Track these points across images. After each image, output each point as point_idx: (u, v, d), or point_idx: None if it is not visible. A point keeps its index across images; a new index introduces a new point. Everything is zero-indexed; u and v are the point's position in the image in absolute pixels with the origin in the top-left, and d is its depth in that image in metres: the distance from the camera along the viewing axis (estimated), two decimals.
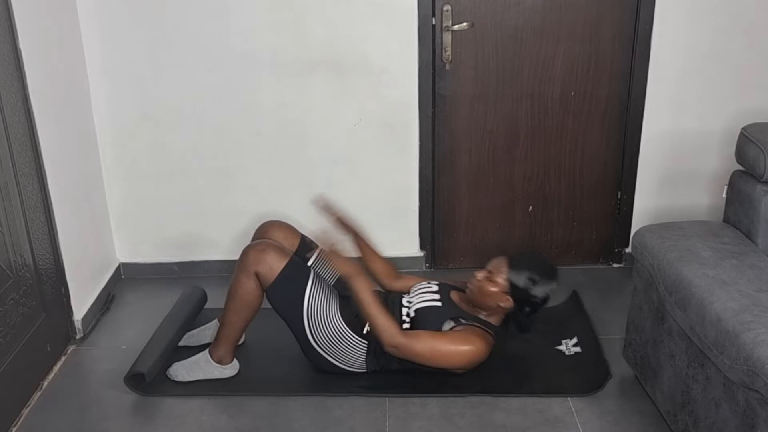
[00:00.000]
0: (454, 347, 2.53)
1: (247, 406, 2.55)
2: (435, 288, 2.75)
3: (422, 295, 2.72)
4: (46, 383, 2.70)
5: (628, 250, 3.47)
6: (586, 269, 3.52)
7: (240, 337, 2.70)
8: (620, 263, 3.54)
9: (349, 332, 2.60)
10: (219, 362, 2.66)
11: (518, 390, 2.59)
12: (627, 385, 2.62)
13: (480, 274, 2.65)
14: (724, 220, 2.51)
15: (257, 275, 2.54)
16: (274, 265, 2.53)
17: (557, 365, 2.74)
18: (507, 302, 2.61)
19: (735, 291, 2.01)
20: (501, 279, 2.60)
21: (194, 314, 3.00)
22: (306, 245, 2.83)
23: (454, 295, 2.73)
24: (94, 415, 2.55)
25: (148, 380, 2.60)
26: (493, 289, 2.60)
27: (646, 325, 2.44)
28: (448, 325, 2.59)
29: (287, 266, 2.55)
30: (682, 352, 2.19)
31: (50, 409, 2.57)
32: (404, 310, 2.68)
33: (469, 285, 2.68)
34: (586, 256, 3.54)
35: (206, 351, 2.68)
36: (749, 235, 2.36)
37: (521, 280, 2.59)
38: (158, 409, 2.56)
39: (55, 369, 2.80)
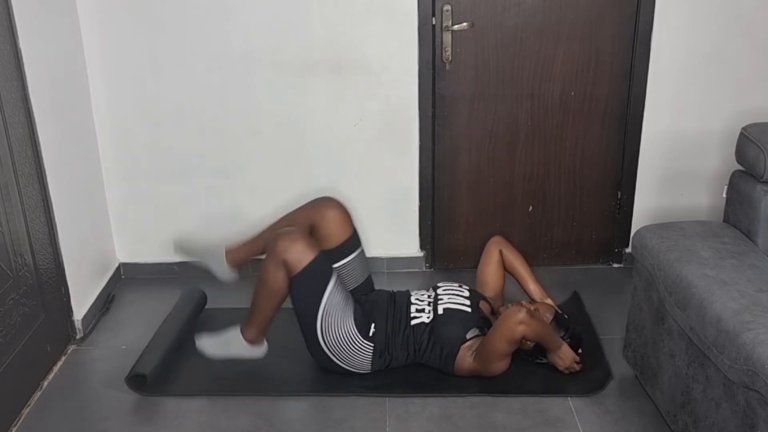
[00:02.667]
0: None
1: (247, 406, 2.55)
2: (466, 293, 2.77)
3: (453, 297, 2.73)
4: (46, 383, 2.70)
5: (628, 250, 3.47)
6: (586, 269, 3.52)
7: (271, 321, 2.66)
8: (620, 263, 3.54)
9: (359, 337, 2.60)
10: (251, 343, 2.64)
11: (518, 390, 2.59)
12: (627, 385, 2.62)
13: (525, 305, 2.69)
14: (724, 220, 2.51)
15: (285, 263, 2.51)
16: (302, 256, 2.51)
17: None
18: (530, 342, 2.63)
19: (735, 291, 2.01)
20: None
21: (194, 315, 3.00)
22: (350, 244, 2.81)
23: (483, 305, 2.76)
24: (94, 415, 2.55)
25: (150, 382, 2.60)
26: None
27: (646, 325, 2.44)
28: (473, 333, 2.61)
29: (314, 261, 2.52)
30: (682, 352, 2.19)
31: (50, 409, 2.57)
32: (426, 307, 2.70)
33: (509, 305, 2.71)
34: (586, 256, 3.54)
35: (238, 330, 2.65)
36: (749, 235, 2.36)
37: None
38: (158, 409, 2.56)
39: (55, 369, 2.80)
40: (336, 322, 2.56)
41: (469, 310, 2.68)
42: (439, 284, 2.85)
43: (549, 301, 2.83)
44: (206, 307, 3.11)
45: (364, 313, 2.66)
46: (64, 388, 2.69)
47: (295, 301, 2.58)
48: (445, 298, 2.72)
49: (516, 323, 2.46)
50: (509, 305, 2.71)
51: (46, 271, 2.78)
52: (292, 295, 2.57)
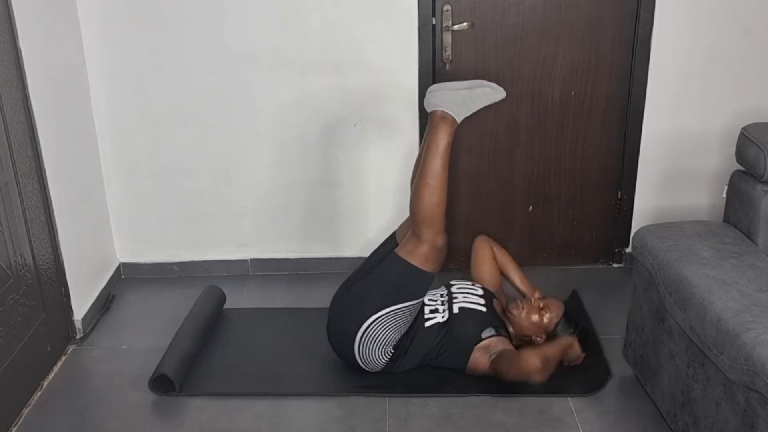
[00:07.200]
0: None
1: (247, 406, 2.55)
2: (480, 292, 2.78)
3: (468, 296, 2.74)
4: (46, 383, 2.70)
5: (628, 250, 3.47)
6: (586, 269, 3.52)
7: None
8: (620, 263, 3.54)
9: (390, 349, 2.60)
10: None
11: (518, 390, 2.59)
12: (627, 385, 2.62)
13: (534, 301, 2.71)
14: (724, 220, 2.52)
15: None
16: (430, 257, 2.54)
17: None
18: (540, 339, 2.67)
19: (735, 291, 2.01)
20: (549, 320, 2.71)
21: (215, 314, 3.01)
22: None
23: (496, 305, 2.77)
24: (94, 415, 2.55)
25: (177, 389, 2.60)
26: (537, 321, 2.69)
27: (646, 325, 2.44)
28: (488, 333, 2.62)
29: (430, 273, 2.55)
30: (682, 352, 2.19)
31: (50, 409, 2.57)
32: (439, 306, 2.70)
33: (518, 303, 2.75)
34: (586, 256, 3.54)
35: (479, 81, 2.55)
36: (749, 235, 2.36)
37: (564, 332, 2.70)
38: (158, 409, 2.56)
39: (55, 369, 2.80)
40: (385, 331, 2.55)
41: (484, 309, 2.68)
42: (452, 282, 2.85)
43: (538, 293, 2.82)
44: (225, 306, 3.12)
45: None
46: (64, 388, 2.69)
47: (373, 280, 2.57)
48: (461, 297, 2.73)
49: (533, 372, 2.44)
50: (518, 302, 2.75)
51: (46, 271, 2.78)
52: (379, 270, 2.58)
